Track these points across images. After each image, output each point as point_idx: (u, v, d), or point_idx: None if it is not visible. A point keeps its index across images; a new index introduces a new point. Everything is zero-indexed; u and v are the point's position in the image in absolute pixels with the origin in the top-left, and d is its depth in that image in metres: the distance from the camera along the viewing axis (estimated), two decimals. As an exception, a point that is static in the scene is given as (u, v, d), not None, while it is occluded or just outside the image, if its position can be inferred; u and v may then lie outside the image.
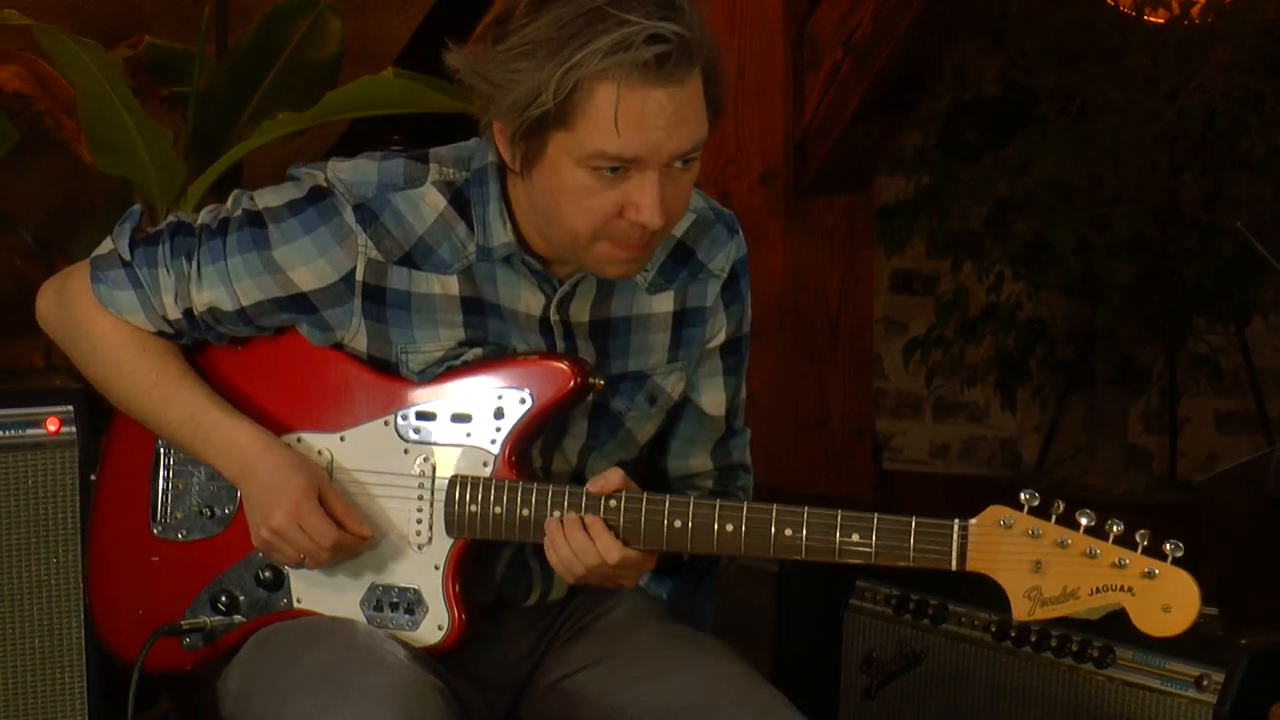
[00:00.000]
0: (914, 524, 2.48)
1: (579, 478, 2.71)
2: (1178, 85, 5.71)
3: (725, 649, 2.72)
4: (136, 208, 2.79)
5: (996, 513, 2.46)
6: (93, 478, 2.92)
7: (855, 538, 2.49)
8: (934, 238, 6.13)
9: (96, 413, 3.23)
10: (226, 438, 2.68)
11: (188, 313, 2.69)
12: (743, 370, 2.83)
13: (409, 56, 5.05)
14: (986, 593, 3.41)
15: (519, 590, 2.74)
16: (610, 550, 2.54)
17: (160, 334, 2.72)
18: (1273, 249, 2.72)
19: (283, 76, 4.27)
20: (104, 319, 2.71)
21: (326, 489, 2.65)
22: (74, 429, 3.29)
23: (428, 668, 2.57)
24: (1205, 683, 3.14)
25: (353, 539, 2.64)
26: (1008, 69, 6.02)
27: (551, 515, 2.57)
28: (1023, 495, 2.45)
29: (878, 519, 2.49)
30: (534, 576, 2.74)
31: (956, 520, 2.47)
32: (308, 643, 2.62)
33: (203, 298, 2.67)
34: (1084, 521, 2.42)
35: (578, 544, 2.55)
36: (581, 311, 2.67)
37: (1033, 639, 3.36)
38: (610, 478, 2.56)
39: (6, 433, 3.26)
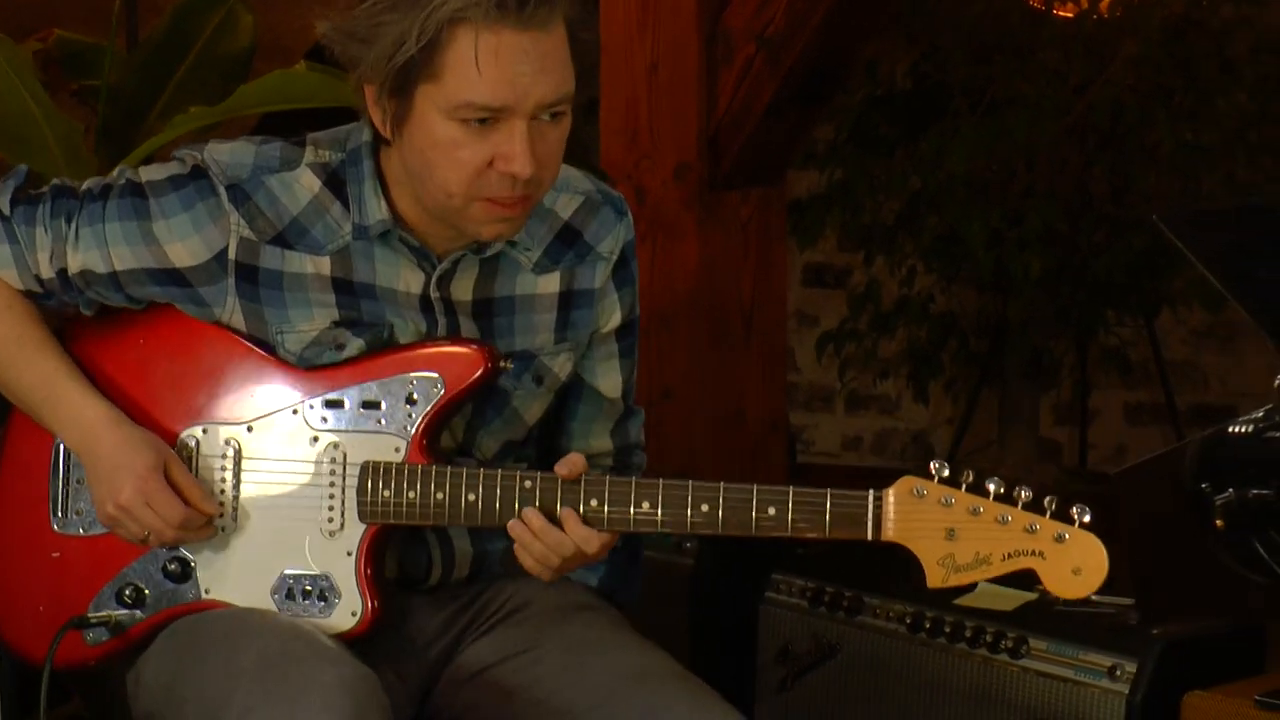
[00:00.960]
0: (829, 496, 2.51)
1: (466, 454, 2.73)
2: (1087, 79, 5.75)
3: (643, 639, 2.73)
4: (23, 167, 2.81)
5: (909, 483, 2.49)
6: None
7: (771, 511, 2.51)
8: (846, 231, 6.15)
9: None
10: (75, 409, 2.68)
11: (61, 273, 2.70)
12: (635, 351, 2.86)
13: (320, 52, 5.03)
14: (901, 585, 3.46)
15: (418, 568, 2.75)
16: (589, 540, 2.56)
17: (30, 293, 2.72)
18: (1187, 242, 2.74)
19: (194, 70, 4.25)
20: None
21: (173, 465, 2.66)
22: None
23: (362, 660, 2.57)
24: (1118, 673, 3.17)
25: (200, 516, 2.65)
26: (920, 63, 6.04)
27: (467, 498, 2.58)
28: (933, 465, 2.49)
29: (793, 492, 2.52)
30: (432, 553, 2.74)
31: (871, 491, 2.50)
32: (243, 634, 2.61)
33: (77, 259, 2.68)
34: (993, 488, 2.47)
35: (551, 539, 2.56)
36: (463, 290, 2.69)
37: (947, 630, 3.38)
38: (576, 459, 2.57)
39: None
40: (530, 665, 2.68)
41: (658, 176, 4.29)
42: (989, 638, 3.33)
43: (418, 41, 2.46)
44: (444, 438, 2.70)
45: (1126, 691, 3.15)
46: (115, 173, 2.73)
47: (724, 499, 2.52)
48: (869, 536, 2.50)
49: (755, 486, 2.53)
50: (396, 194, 2.64)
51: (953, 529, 2.47)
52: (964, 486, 2.47)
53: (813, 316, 6.91)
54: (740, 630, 3.71)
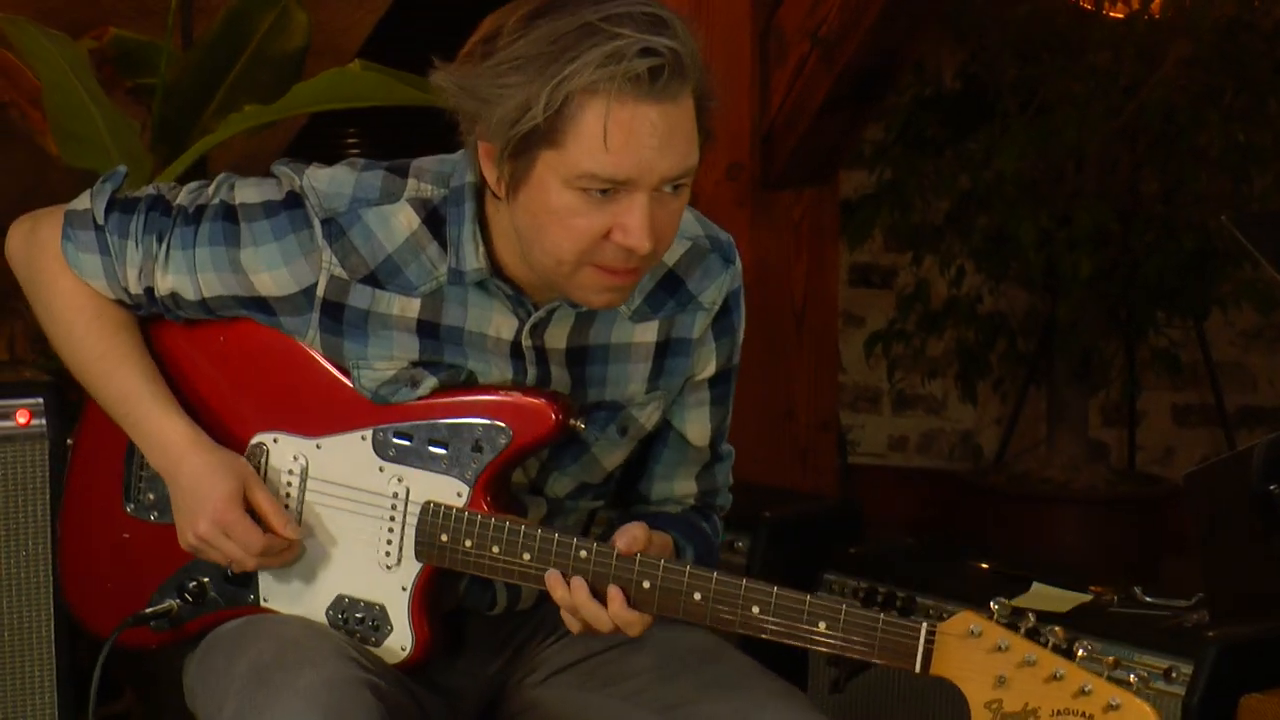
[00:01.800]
0: (881, 622, 2.45)
1: (536, 490, 2.69)
2: (1138, 80, 5.73)
3: (722, 639, 2.70)
4: (122, 168, 2.76)
5: (966, 620, 2.42)
6: (69, 441, 2.89)
7: (822, 626, 2.46)
8: (895, 231, 6.14)
9: (67, 405, 3.22)
10: (155, 430, 2.66)
11: (149, 291, 2.66)
12: (730, 399, 2.77)
13: (370, 49, 5.04)
14: (955, 585, 3.45)
15: (483, 600, 2.72)
16: (633, 625, 2.51)
17: (119, 303, 2.70)
18: (1257, 244, 2.73)
19: (248, 69, 4.27)
20: (66, 277, 2.69)
21: (253, 487, 2.63)
22: (44, 421, 3.28)
23: (364, 663, 2.55)
24: (1174, 675, 3.15)
25: (280, 541, 2.62)
26: (969, 63, 6.04)
27: (522, 556, 2.54)
28: (993, 604, 2.42)
29: (845, 611, 2.46)
30: (498, 587, 2.71)
31: (925, 623, 2.43)
32: (247, 642, 2.60)
33: (166, 281, 2.64)
34: (1051, 641, 2.39)
35: (589, 613, 2.51)
36: (558, 338, 2.62)
37: (1001, 631, 3.37)
38: (637, 534, 2.52)
39: (-25, 425, 3.25)
40: (615, 660, 2.66)
41: (710, 176, 4.28)
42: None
43: (545, 110, 2.36)
44: (515, 474, 2.65)
45: (1183, 694, 3.13)
46: (213, 188, 2.66)
47: (775, 604, 2.47)
48: (916, 669, 2.44)
49: (809, 597, 2.47)
50: (498, 241, 2.55)
51: (1004, 676, 2.40)
52: (1023, 630, 2.40)
53: (859, 317, 6.90)
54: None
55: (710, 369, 2.71)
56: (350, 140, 6.02)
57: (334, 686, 2.45)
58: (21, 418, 3.26)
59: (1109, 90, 5.70)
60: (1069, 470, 6.11)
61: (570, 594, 2.51)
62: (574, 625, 2.54)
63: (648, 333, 2.65)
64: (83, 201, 2.70)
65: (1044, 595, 3.39)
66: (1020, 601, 3.36)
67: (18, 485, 3.26)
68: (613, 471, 2.73)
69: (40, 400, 3.28)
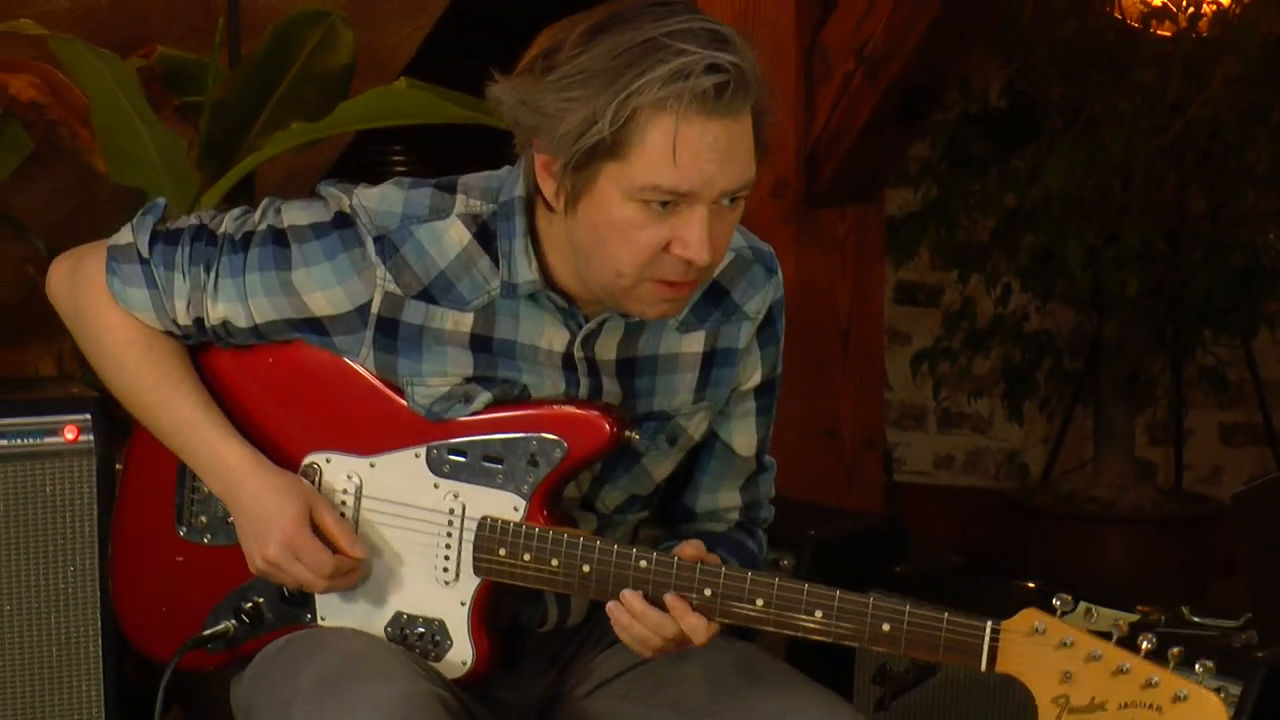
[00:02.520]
0: (945, 620, 2.45)
1: (587, 505, 2.70)
2: (1185, 98, 5.72)
3: (766, 653, 2.71)
4: (161, 200, 2.76)
5: (1030, 617, 2.42)
6: (118, 467, 2.89)
7: (886, 628, 2.47)
8: (941, 249, 6.13)
9: (114, 421, 3.23)
10: (214, 456, 2.66)
11: (198, 321, 2.67)
12: (774, 408, 2.79)
13: (416, 67, 5.06)
14: (1003, 603, 3.44)
15: (534, 616, 2.73)
16: (698, 631, 2.51)
17: (168, 334, 2.70)
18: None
19: (295, 87, 4.28)
20: (113, 311, 2.69)
21: (319, 508, 2.63)
22: (92, 437, 3.28)
23: (431, 677, 2.56)
24: (1222, 695, 3.12)
25: (349, 562, 2.62)
26: (1015, 80, 6.03)
27: (581, 569, 2.55)
28: (1056, 601, 2.42)
29: (909, 612, 2.46)
30: (548, 604, 2.72)
31: (989, 623, 2.43)
32: (311, 653, 2.61)
33: (217, 311, 2.65)
34: (1115, 634, 2.40)
35: (651, 622, 2.52)
36: (608, 349, 2.63)
37: (1048, 650, 3.36)
38: (697, 546, 2.53)
39: (24, 441, 3.26)
40: (661, 669, 2.66)
41: (755, 193, 4.18)
42: (1090, 658, 3.30)
43: (611, 124, 2.38)
44: (568, 489, 2.65)
45: (1231, 715, 3.12)
46: (258, 214, 2.66)
47: (839, 608, 2.48)
48: (981, 668, 2.44)
49: (871, 599, 2.47)
50: (550, 254, 2.57)
51: (1070, 672, 2.40)
52: (1087, 627, 2.41)
53: (905, 334, 6.89)
54: (837, 649, 3.69)
55: (756, 379, 2.73)
56: (396, 158, 6.04)
57: (409, 699, 2.46)
58: (69, 434, 3.27)
59: (1156, 108, 5.69)
60: (1116, 489, 6.09)
61: (625, 608, 2.52)
62: (628, 641, 2.55)
63: (695, 343, 2.67)
64: (125, 236, 2.71)
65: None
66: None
67: (66, 501, 3.27)
68: (660, 483, 2.74)
69: (88, 416, 3.28)
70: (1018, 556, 5.91)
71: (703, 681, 2.65)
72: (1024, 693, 2.43)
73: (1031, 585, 3.54)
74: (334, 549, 2.62)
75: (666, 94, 2.36)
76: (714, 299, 2.66)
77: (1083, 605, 2.43)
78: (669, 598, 2.51)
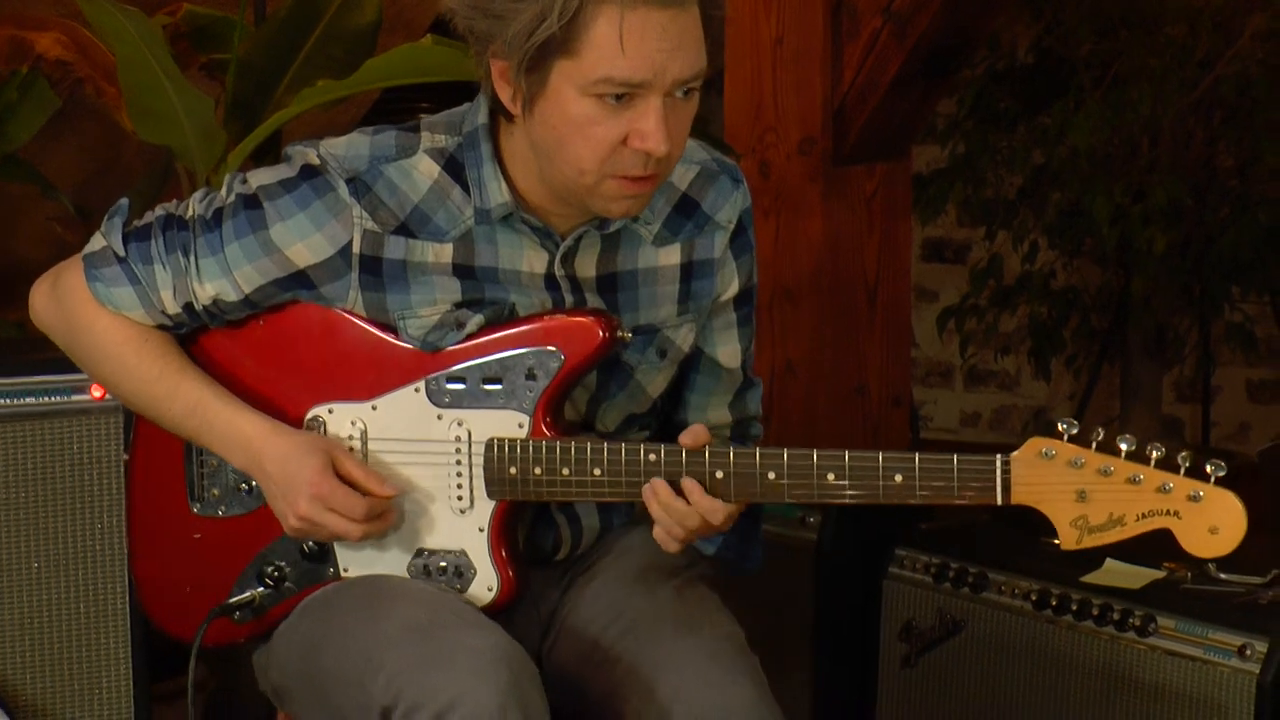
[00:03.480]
0: (956, 461, 2.47)
1: (588, 428, 2.72)
2: (1214, 54, 5.69)
3: (723, 614, 2.70)
4: (124, 201, 2.78)
5: (1038, 444, 2.43)
6: (125, 457, 2.91)
7: (898, 478, 2.49)
8: (968, 206, 6.12)
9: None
10: (230, 430, 2.68)
11: (188, 306, 2.68)
12: (753, 321, 2.84)
13: (442, 24, 5.04)
14: (1027, 561, 3.44)
15: (546, 544, 2.75)
16: (715, 511, 2.54)
17: (160, 327, 2.72)
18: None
19: (321, 44, 4.27)
20: (103, 316, 2.71)
21: (340, 457, 2.64)
22: (118, 395, 3.29)
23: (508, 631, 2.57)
24: (1248, 652, 3.14)
25: (381, 503, 2.63)
26: (1043, 37, 6.00)
27: (593, 473, 2.57)
28: (1060, 425, 2.43)
29: (919, 459, 2.48)
30: (561, 531, 2.75)
31: (999, 455, 2.45)
32: (386, 600, 2.61)
33: (205, 291, 2.67)
34: (1124, 447, 2.40)
35: (676, 511, 2.55)
36: (587, 266, 2.67)
37: (1073, 608, 3.36)
38: (699, 430, 2.56)
39: (51, 399, 3.27)
40: (620, 637, 2.66)
41: (782, 150, 4.27)
42: (1116, 616, 3.31)
43: (560, 19, 2.43)
44: (566, 410, 2.68)
45: (1257, 671, 3.13)
46: (224, 189, 2.69)
47: (849, 467, 2.50)
48: (999, 501, 2.46)
49: (881, 454, 2.50)
50: (517, 174, 2.62)
51: (1084, 490, 2.42)
52: (1094, 445, 2.41)
53: (931, 291, 6.89)
54: (863, 606, 3.71)
55: (734, 288, 2.77)
56: (423, 115, 6.00)
57: (509, 651, 2.49)
58: (96, 391, 3.29)
59: (1184, 64, 5.66)
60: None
61: (654, 494, 2.55)
62: (657, 532, 2.59)
63: (671, 255, 2.71)
64: (96, 243, 2.73)
65: (1117, 571, 3.38)
66: (1092, 577, 3.37)
67: (92, 459, 3.29)
68: (656, 400, 2.77)
69: (114, 374, 3.29)
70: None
71: (646, 620, 2.66)
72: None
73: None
74: (363, 493, 2.63)
75: None
76: (685, 211, 2.72)
77: (1091, 425, 2.43)
78: (685, 481, 2.54)
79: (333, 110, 4.45)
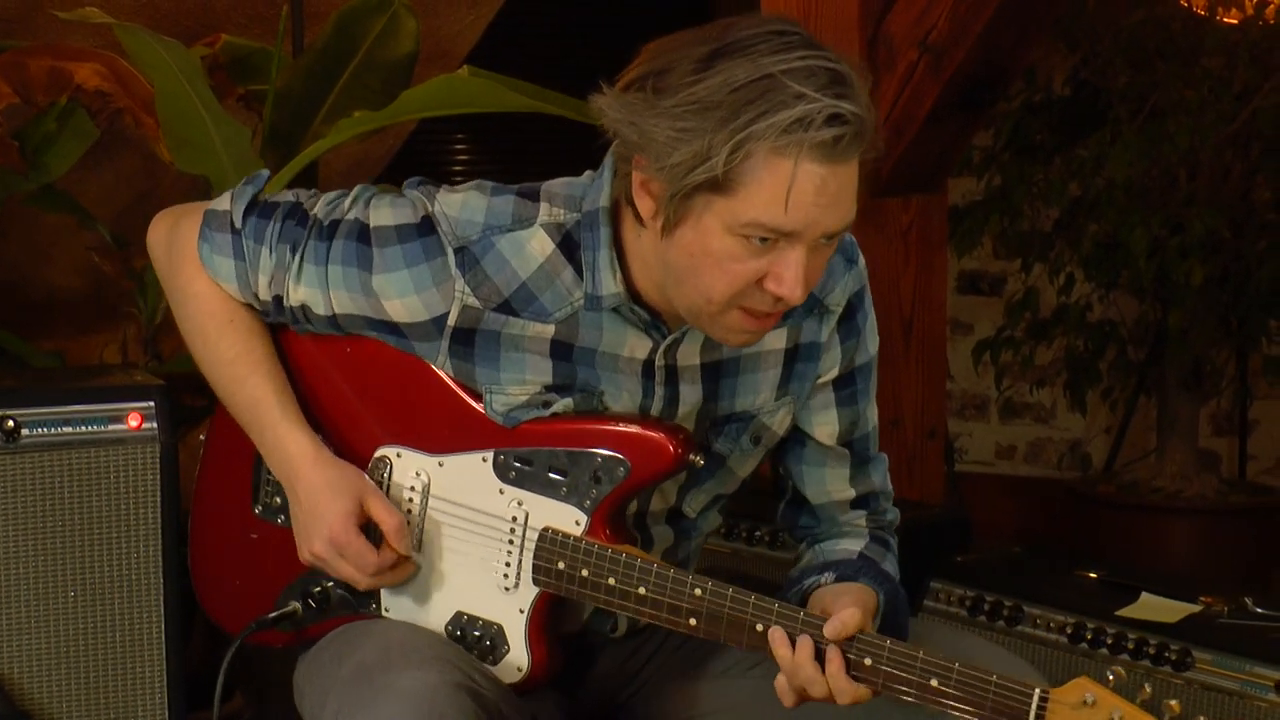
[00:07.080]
0: (994, 682, 2.41)
1: (676, 514, 2.71)
2: (1252, 86, 5.68)
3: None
4: (264, 172, 2.78)
5: (1081, 688, 2.37)
6: (202, 437, 2.92)
7: (934, 683, 2.43)
8: (1004, 238, 6.12)
9: (178, 409, 3.25)
10: (279, 440, 2.68)
11: (277, 299, 2.68)
12: (862, 400, 2.77)
13: (479, 55, 5.06)
14: (1063, 595, 3.43)
15: (604, 625, 2.74)
16: (843, 693, 2.46)
17: (248, 307, 2.72)
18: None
19: (358, 75, 4.29)
20: (202, 279, 2.72)
21: (370, 500, 2.64)
22: (155, 425, 3.30)
23: (467, 668, 2.55)
24: (1288, 686, 3.13)
25: (392, 557, 2.63)
26: (1079, 69, 6.00)
27: (637, 590, 2.54)
28: (1109, 674, 2.39)
29: (958, 669, 2.42)
30: (619, 617, 2.73)
31: (1038, 689, 2.39)
32: (355, 642, 2.63)
33: (298, 293, 2.66)
34: (1168, 714, 2.38)
35: (807, 675, 2.47)
36: (690, 355, 2.63)
37: (1109, 642, 3.35)
38: (848, 621, 2.46)
39: (89, 428, 3.28)
40: (708, 693, 2.68)
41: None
42: (1152, 649, 3.29)
43: (725, 163, 2.35)
44: (655, 500, 2.67)
45: (1295, 706, 3.11)
46: (349, 201, 2.66)
47: (890, 655, 2.45)
48: None
49: (921, 653, 2.43)
50: (635, 268, 2.55)
51: None
52: (1139, 701, 2.38)
53: (967, 324, 6.88)
54: (899, 638, 3.69)
55: (834, 371, 2.73)
56: (459, 146, 6.03)
57: (435, 690, 2.45)
58: (133, 421, 3.29)
59: (1222, 96, 5.65)
60: (1179, 480, 6.06)
61: (793, 654, 2.47)
62: (788, 696, 2.51)
63: (778, 340, 2.66)
64: (223, 202, 2.73)
65: (1153, 606, 3.37)
66: (1128, 611, 3.35)
67: (129, 488, 3.29)
68: (745, 479, 2.75)
69: (151, 404, 3.30)
70: (1080, 547, 5.89)
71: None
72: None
73: (1093, 575, 3.53)
74: (383, 541, 2.63)
75: (785, 142, 2.33)
76: None
77: (1138, 679, 2.37)
78: (830, 651, 2.46)
79: (369, 141, 4.46)
